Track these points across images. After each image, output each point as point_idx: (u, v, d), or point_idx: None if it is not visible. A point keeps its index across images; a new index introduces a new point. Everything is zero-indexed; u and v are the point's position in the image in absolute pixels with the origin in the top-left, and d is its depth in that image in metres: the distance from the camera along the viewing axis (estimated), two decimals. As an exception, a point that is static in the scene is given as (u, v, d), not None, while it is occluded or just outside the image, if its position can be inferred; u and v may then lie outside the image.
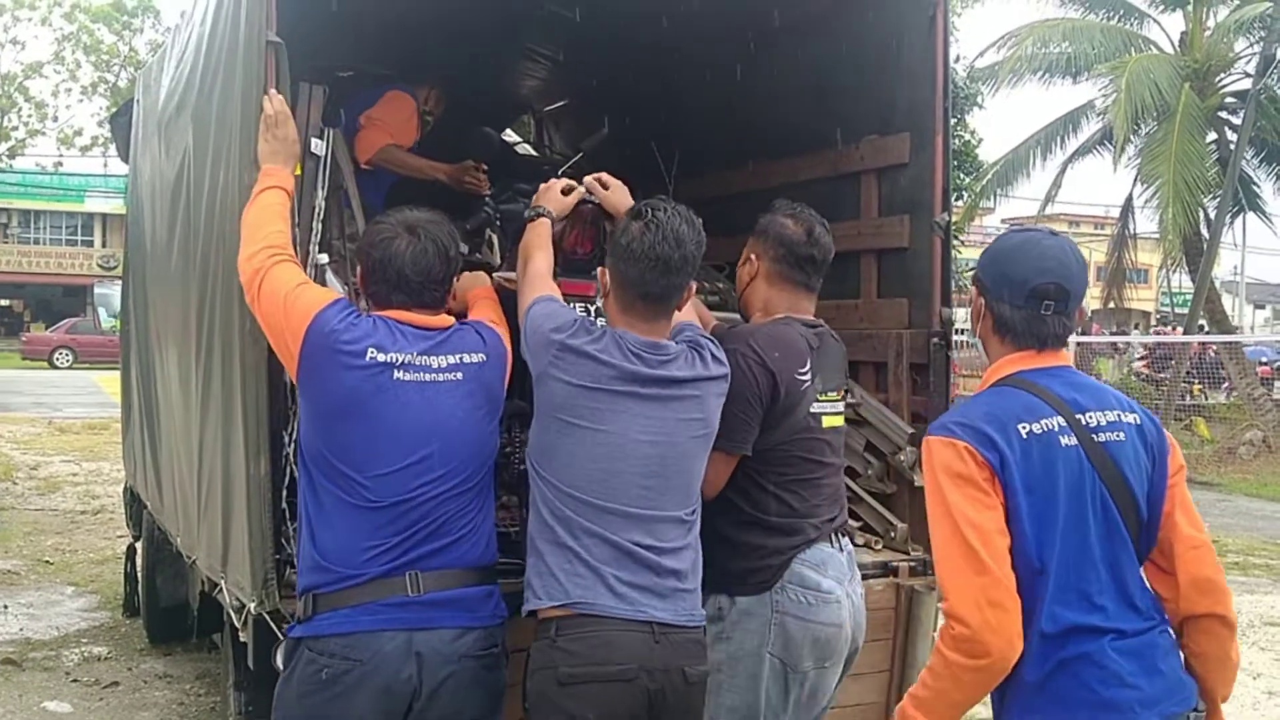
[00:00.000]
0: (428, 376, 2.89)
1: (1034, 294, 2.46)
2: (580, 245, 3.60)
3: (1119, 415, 2.47)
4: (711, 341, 3.04)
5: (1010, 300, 2.49)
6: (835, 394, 3.27)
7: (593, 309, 3.62)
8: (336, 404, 2.85)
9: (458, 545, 2.88)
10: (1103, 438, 2.43)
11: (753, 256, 3.31)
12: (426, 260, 2.94)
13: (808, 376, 3.13)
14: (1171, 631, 2.49)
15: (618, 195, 3.47)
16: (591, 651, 2.74)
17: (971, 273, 2.74)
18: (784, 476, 3.13)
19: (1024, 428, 2.40)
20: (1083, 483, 2.40)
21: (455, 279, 3.10)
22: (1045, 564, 2.37)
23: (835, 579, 3.15)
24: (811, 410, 3.16)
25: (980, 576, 2.32)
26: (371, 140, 4.83)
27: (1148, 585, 2.49)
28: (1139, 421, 2.49)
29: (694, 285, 3.05)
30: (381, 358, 2.85)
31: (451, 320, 3.03)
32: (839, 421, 3.30)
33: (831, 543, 3.18)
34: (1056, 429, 2.41)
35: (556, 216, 3.41)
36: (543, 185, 3.57)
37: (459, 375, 2.92)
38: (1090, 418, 2.44)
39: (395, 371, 2.85)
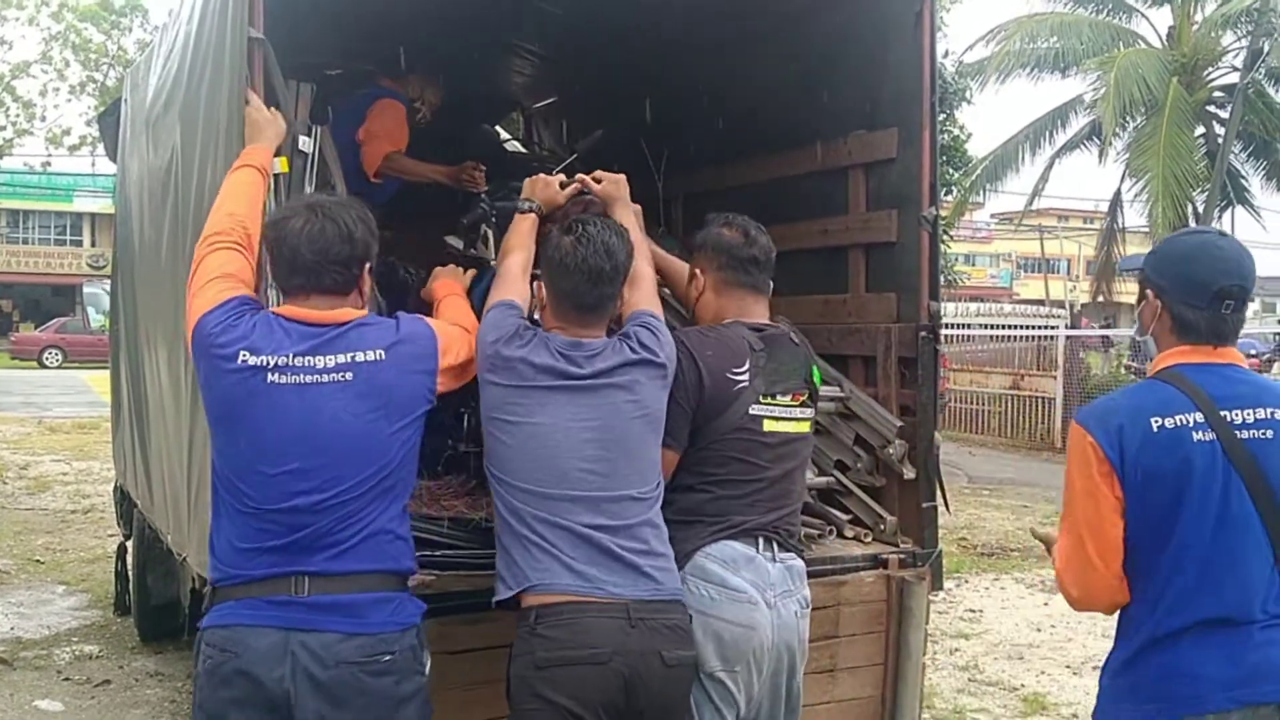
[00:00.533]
0: (309, 378, 2.72)
1: (1219, 295, 2.56)
2: None
3: (1272, 413, 2.52)
4: (649, 329, 3.06)
5: (1193, 302, 2.57)
6: (788, 398, 3.19)
7: None
8: (216, 410, 2.79)
9: (349, 553, 2.72)
10: (1246, 435, 2.50)
11: (697, 272, 3.34)
12: (324, 240, 2.77)
13: (744, 377, 3.11)
14: None
15: (610, 188, 3.51)
16: (567, 637, 2.78)
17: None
18: (706, 475, 3.11)
19: (1156, 422, 2.49)
20: (1214, 478, 2.47)
21: (367, 267, 2.87)
22: (1161, 554, 2.51)
23: (751, 581, 3.05)
24: (750, 412, 3.11)
25: (1083, 564, 2.63)
26: (375, 154, 5.00)
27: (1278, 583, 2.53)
28: None
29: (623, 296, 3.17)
30: (253, 360, 2.71)
31: (352, 314, 2.82)
32: (790, 428, 3.20)
33: (758, 548, 3.10)
34: (1191, 424, 2.49)
35: (544, 210, 3.43)
36: (532, 178, 3.58)
37: (348, 375, 2.74)
38: (1236, 414, 2.50)
39: (269, 374, 2.71)
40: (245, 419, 2.72)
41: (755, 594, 3.05)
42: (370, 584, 2.73)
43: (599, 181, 3.52)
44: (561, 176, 3.63)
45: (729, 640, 3.01)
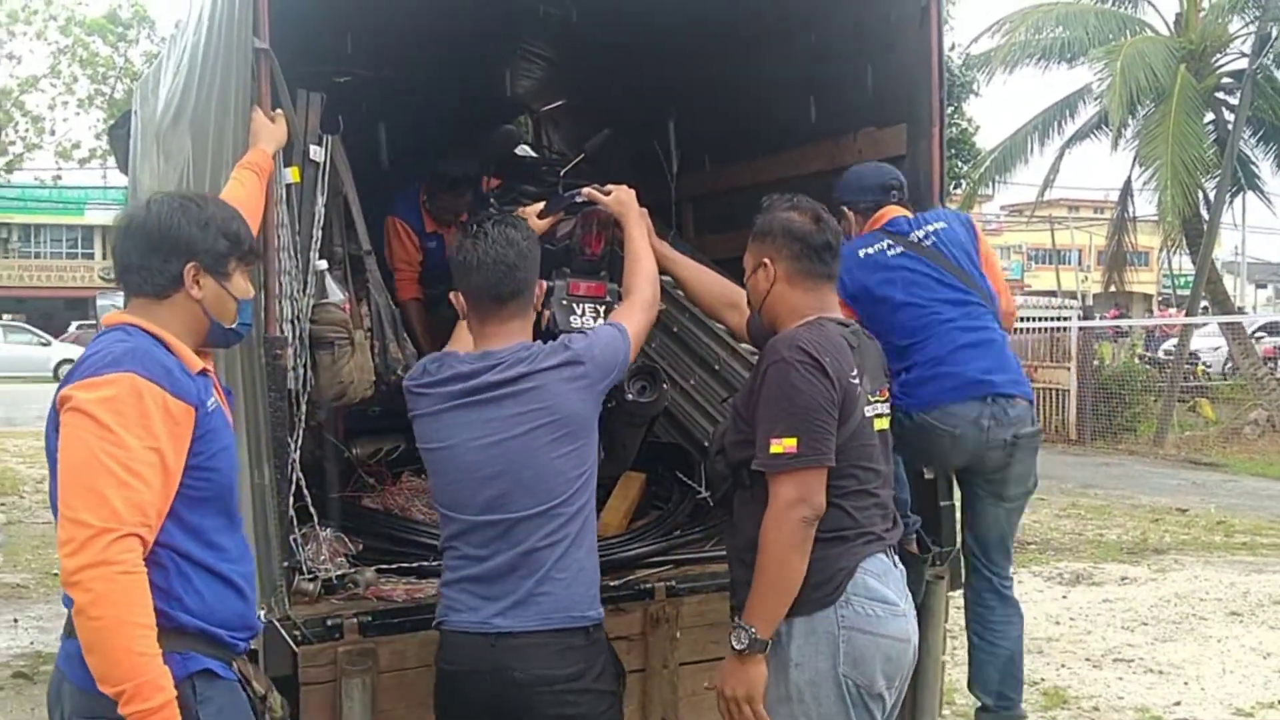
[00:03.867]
0: None
1: (885, 188, 4.04)
2: (590, 246, 3.61)
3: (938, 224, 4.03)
4: (566, 338, 3.00)
5: (871, 198, 4.08)
6: (880, 395, 3.06)
7: (602, 308, 3.66)
8: None
9: None
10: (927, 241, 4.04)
11: (766, 262, 3.06)
12: (139, 232, 2.51)
13: (856, 379, 2.91)
14: None
15: (618, 202, 3.50)
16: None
17: None
18: (843, 488, 2.90)
19: (863, 252, 3.98)
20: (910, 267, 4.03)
21: (184, 271, 2.49)
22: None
23: (898, 593, 2.95)
24: (865, 414, 2.95)
25: None
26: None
27: None
28: None
29: (543, 284, 3.15)
30: None
31: (114, 319, 2.51)
32: (886, 424, 3.08)
33: (888, 555, 2.98)
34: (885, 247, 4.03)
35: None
36: (517, 211, 3.54)
37: None
38: (916, 234, 4.05)
39: None
40: None
41: (904, 605, 2.97)
42: None
43: (607, 193, 3.50)
44: (538, 206, 3.63)
45: (894, 657, 2.92)
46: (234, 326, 2.63)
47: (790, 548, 2.81)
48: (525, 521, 2.85)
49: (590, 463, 2.96)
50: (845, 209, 4.04)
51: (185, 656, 2.36)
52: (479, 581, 2.86)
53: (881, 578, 2.92)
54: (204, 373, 2.51)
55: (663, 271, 3.52)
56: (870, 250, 3.94)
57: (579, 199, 3.62)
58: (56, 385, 2.46)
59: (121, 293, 2.61)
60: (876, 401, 3.02)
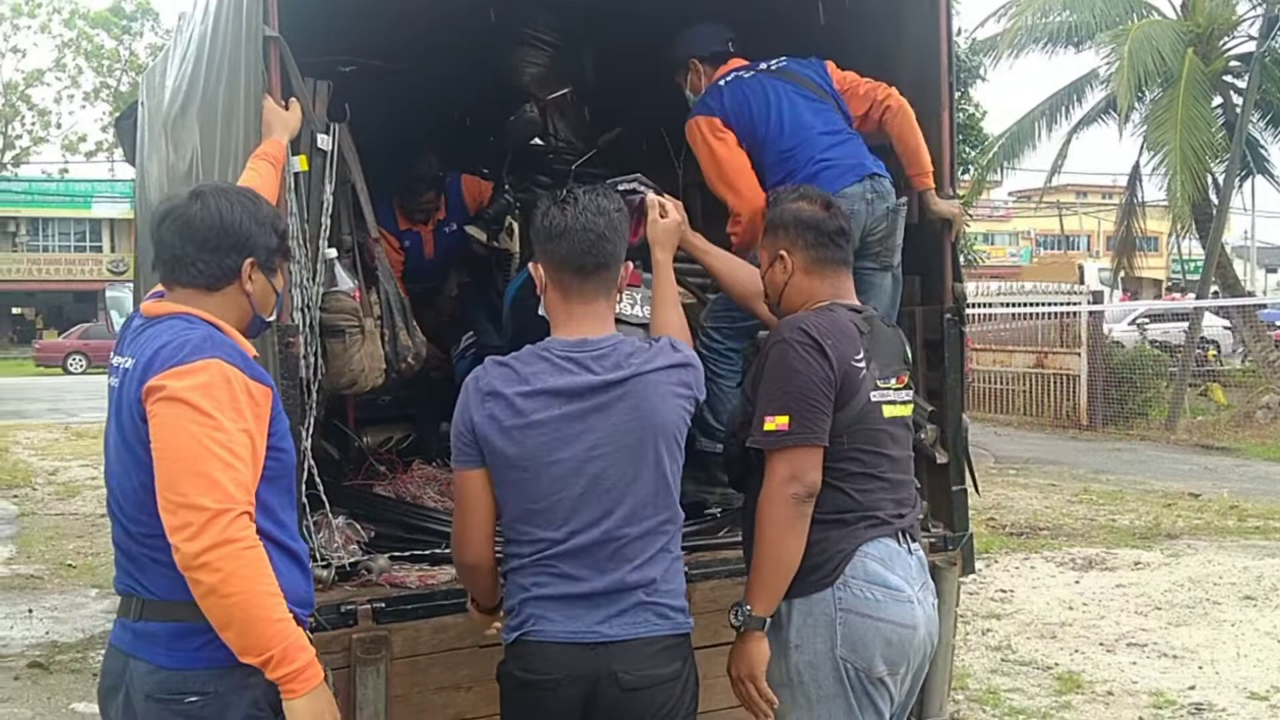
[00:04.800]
0: (113, 381, 2.53)
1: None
2: (633, 235, 3.60)
3: None
4: (671, 341, 2.85)
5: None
6: (895, 381, 3.03)
7: (639, 296, 3.66)
8: None
9: (154, 577, 2.45)
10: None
11: (782, 254, 3.08)
12: (190, 227, 2.51)
13: (863, 363, 2.92)
14: None
15: (664, 226, 3.43)
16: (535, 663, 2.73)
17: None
18: (843, 471, 2.91)
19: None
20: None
21: (250, 261, 2.56)
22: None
23: (904, 578, 2.93)
24: (871, 399, 2.94)
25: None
26: None
27: None
28: None
29: (629, 265, 2.91)
30: (111, 358, 2.60)
31: (165, 308, 2.52)
32: (903, 411, 3.07)
33: (899, 540, 2.96)
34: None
35: None
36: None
37: (117, 382, 2.51)
38: None
39: (111, 376, 2.56)
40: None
41: (910, 591, 2.94)
42: (178, 613, 2.42)
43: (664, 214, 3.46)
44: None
45: (895, 643, 2.90)
46: (270, 319, 2.72)
47: (784, 525, 2.84)
48: (638, 540, 2.71)
49: (680, 474, 2.82)
50: (694, 62, 4.48)
51: None
52: (581, 600, 2.69)
53: (886, 562, 2.91)
54: (255, 359, 2.57)
55: (696, 263, 3.61)
56: (729, 78, 4.32)
57: (626, 189, 3.59)
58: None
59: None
60: (889, 388, 3.00)
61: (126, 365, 2.47)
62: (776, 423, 2.84)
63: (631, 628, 2.70)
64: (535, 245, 2.87)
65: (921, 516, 4.15)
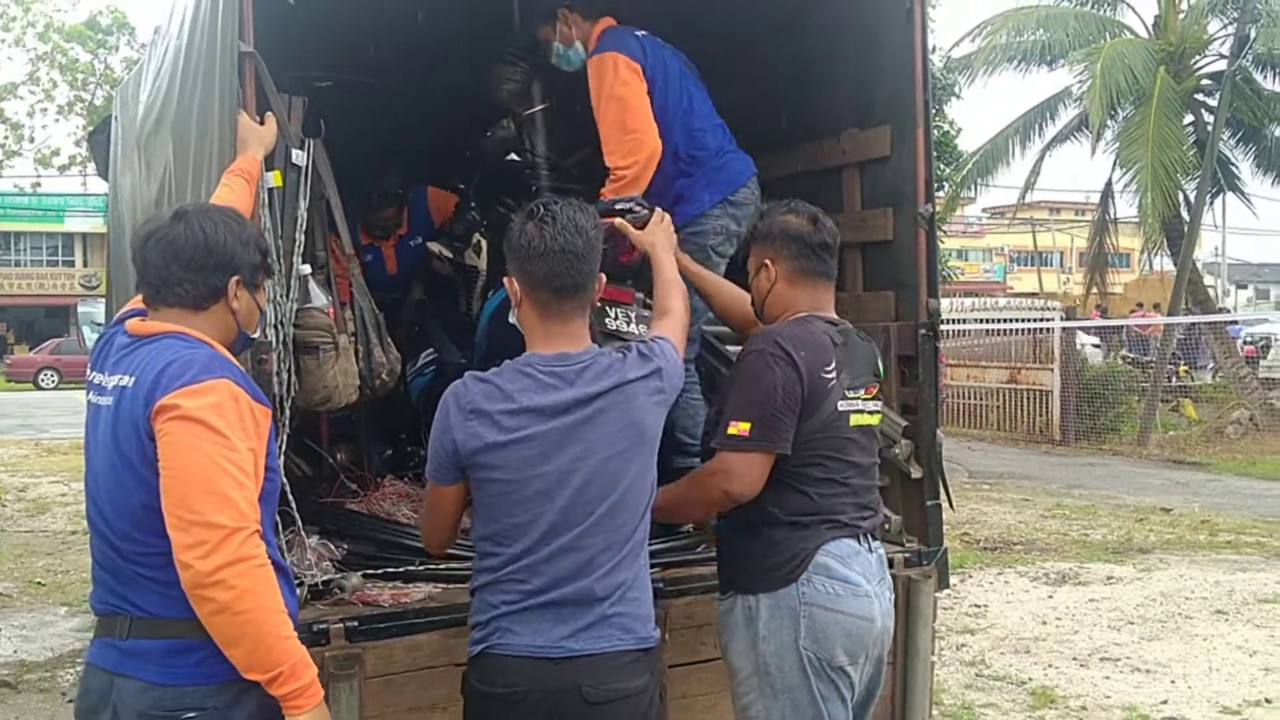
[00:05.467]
0: (102, 400, 2.51)
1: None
2: (621, 255, 3.60)
3: None
4: (652, 342, 2.89)
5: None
6: (864, 391, 3.17)
7: (632, 314, 3.67)
8: None
9: (146, 595, 2.45)
10: None
11: (767, 263, 3.22)
12: (174, 247, 2.51)
13: (833, 374, 3.07)
14: None
15: (650, 231, 3.50)
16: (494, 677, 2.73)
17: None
18: (808, 476, 3.08)
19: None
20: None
21: (235, 279, 2.57)
22: None
23: (862, 574, 3.10)
24: (838, 408, 3.09)
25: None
26: None
27: None
28: None
29: (602, 278, 2.89)
30: (89, 375, 2.60)
31: (156, 327, 2.52)
32: (870, 420, 3.21)
33: (859, 541, 3.13)
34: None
35: None
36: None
37: (111, 401, 2.47)
38: None
39: (91, 392, 2.57)
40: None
41: (868, 586, 3.10)
42: (171, 630, 2.43)
43: (644, 224, 3.53)
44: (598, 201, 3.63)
45: (855, 634, 3.06)
46: (254, 335, 2.75)
47: (693, 499, 3.14)
48: (610, 550, 2.71)
49: (655, 481, 2.86)
50: (564, 11, 4.36)
51: None
52: (549, 608, 2.68)
53: (845, 560, 3.07)
54: None
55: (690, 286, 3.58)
56: (641, 35, 4.30)
57: (619, 208, 3.61)
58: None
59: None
60: (857, 398, 3.14)
61: (124, 384, 2.44)
62: (739, 427, 2.99)
63: (596, 642, 2.69)
64: (511, 261, 2.84)
65: (888, 525, 4.20)
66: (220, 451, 2.32)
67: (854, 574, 3.07)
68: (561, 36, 4.38)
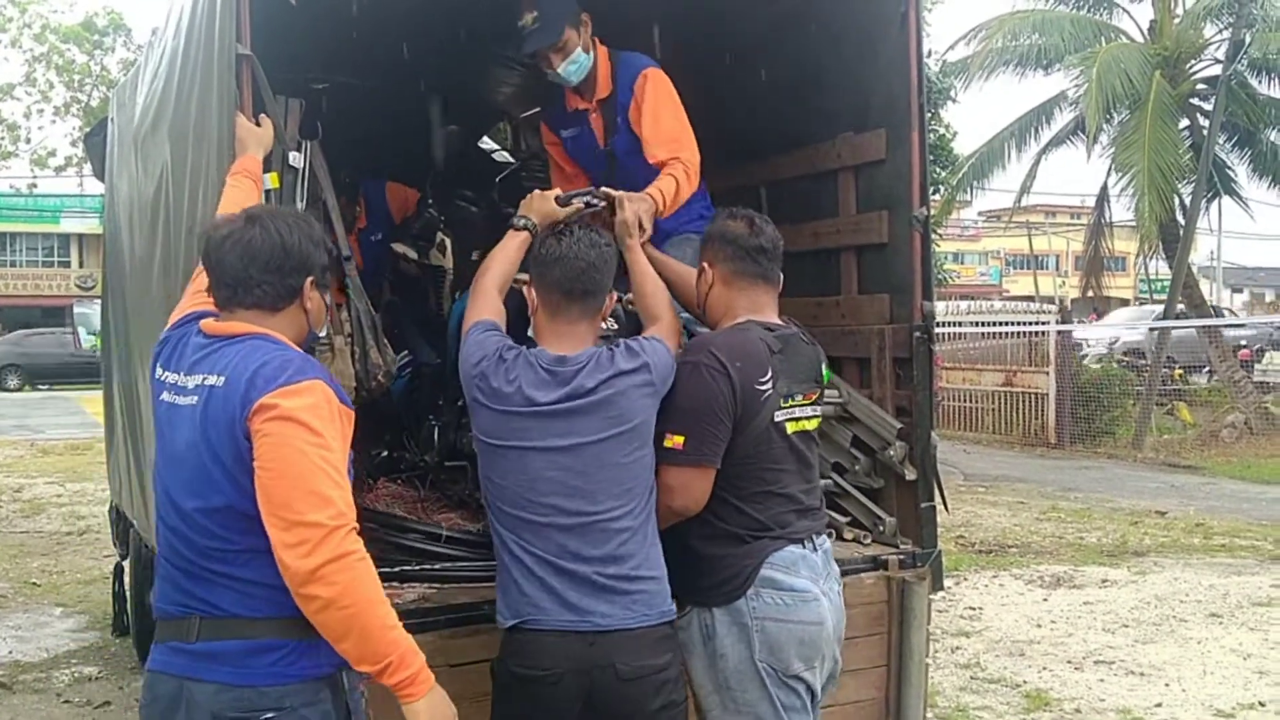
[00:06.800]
0: (183, 400, 2.52)
1: None
2: None
3: None
4: (642, 341, 3.10)
5: None
6: (803, 398, 3.22)
7: (619, 311, 3.71)
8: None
9: (222, 595, 2.47)
10: None
11: (705, 265, 3.32)
12: (251, 249, 2.56)
13: (768, 386, 3.11)
14: None
15: (622, 218, 3.57)
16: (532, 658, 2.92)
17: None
18: (744, 490, 3.12)
19: None
20: None
21: (309, 280, 2.63)
22: None
23: (809, 578, 3.14)
24: (774, 420, 3.13)
25: None
26: None
27: None
28: None
29: (614, 295, 3.19)
30: (159, 374, 2.62)
31: (238, 328, 2.56)
32: (809, 425, 3.27)
33: (803, 544, 3.17)
34: None
35: (539, 229, 3.45)
36: (531, 194, 3.61)
37: (196, 400, 2.49)
38: None
39: (164, 392, 2.59)
40: (156, 439, 2.67)
41: (815, 589, 3.15)
42: (247, 630, 2.47)
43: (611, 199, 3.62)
44: (558, 190, 3.66)
45: (808, 640, 3.11)
46: (321, 334, 2.84)
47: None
48: (610, 522, 2.93)
49: (652, 466, 3.06)
50: (588, 16, 4.21)
51: (331, 649, 2.46)
52: (568, 580, 2.90)
53: (789, 569, 3.12)
54: None
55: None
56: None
57: (595, 200, 3.65)
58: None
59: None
60: (794, 405, 3.19)
61: (212, 383, 2.47)
62: (674, 440, 3.06)
63: (623, 619, 2.89)
64: (531, 271, 3.14)
65: (883, 527, 4.21)
66: (318, 451, 2.37)
67: (800, 580, 3.12)
68: (584, 44, 4.30)
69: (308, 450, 2.36)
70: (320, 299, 2.70)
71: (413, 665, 2.44)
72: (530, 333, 3.18)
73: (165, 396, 2.59)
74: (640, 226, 3.59)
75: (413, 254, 5.31)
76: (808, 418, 3.25)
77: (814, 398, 3.28)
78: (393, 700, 2.48)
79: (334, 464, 2.39)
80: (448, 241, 5.21)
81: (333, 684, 2.50)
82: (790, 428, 3.18)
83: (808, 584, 3.13)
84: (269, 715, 2.43)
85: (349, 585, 2.33)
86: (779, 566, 3.10)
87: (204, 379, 2.49)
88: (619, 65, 4.23)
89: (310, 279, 2.63)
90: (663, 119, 4.11)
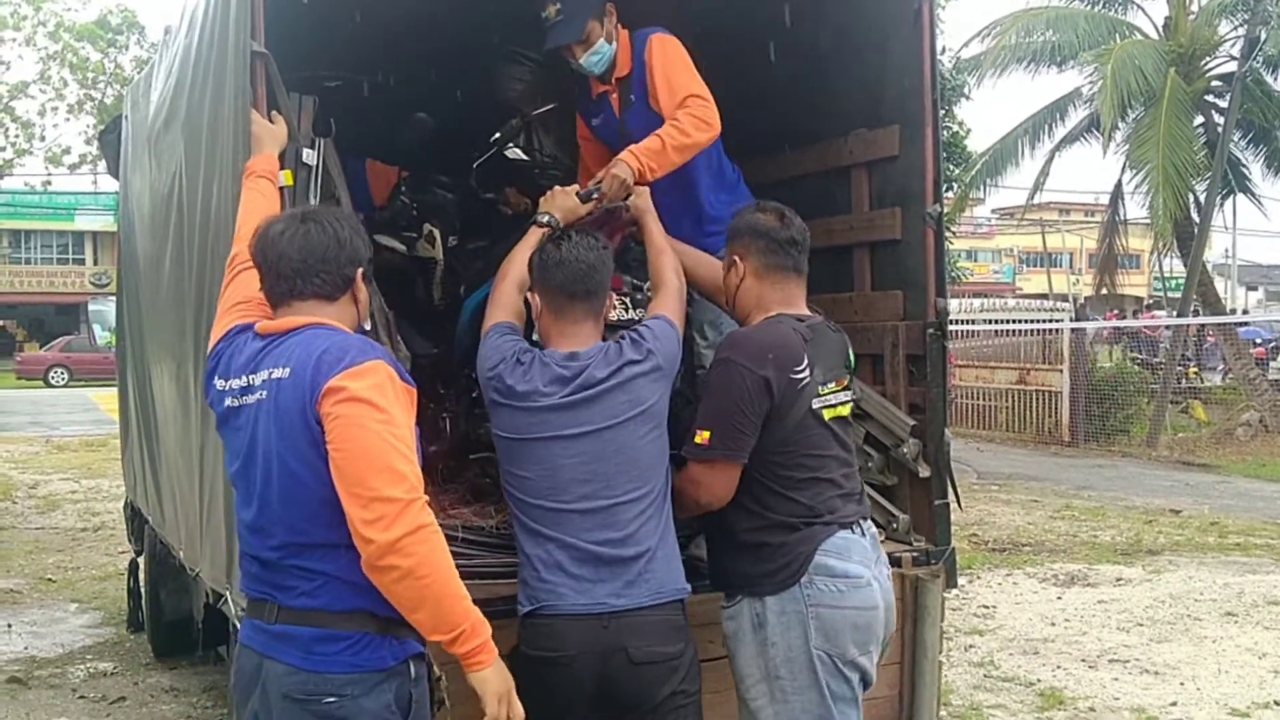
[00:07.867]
0: (250, 399, 2.60)
1: None
2: (610, 240, 3.64)
3: None
4: (648, 328, 3.22)
5: None
6: (835, 384, 3.27)
7: (628, 299, 3.74)
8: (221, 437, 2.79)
9: (296, 585, 2.58)
10: None
11: (736, 259, 3.34)
12: (309, 243, 2.66)
13: (804, 374, 3.14)
14: None
15: (643, 201, 3.68)
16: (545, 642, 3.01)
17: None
18: (790, 477, 3.16)
19: None
20: None
21: (360, 272, 2.74)
22: None
23: (861, 563, 3.17)
24: (812, 407, 3.17)
25: None
26: None
27: None
28: None
29: (612, 295, 3.38)
30: (219, 385, 2.69)
31: (293, 322, 2.64)
32: (843, 411, 3.31)
33: (852, 530, 3.20)
34: None
35: (562, 225, 3.52)
36: (552, 190, 3.67)
37: (264, 395, 2.57)
38: None
39: (228, 398, 2.66)
40: (225, 446, 2.76)
41: (868, 574, 3.18)
42: (322, 620, 2.57)
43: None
44: (575, 187, 3.67)
45: (863, 625, 3.14)
46: (366, 325, 2.92)
47: (677, 502, 3.21)
48: (627, 505, 3.04)
49: (666, 448, 3.18)
50: (613, 6, 4.17)
51: (402, 641, 2.59)
52: (586, 564, 3.00)
53: (842, 554, 3.14)
54: None
55: None
56: None
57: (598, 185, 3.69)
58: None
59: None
60: (829, 392, 3.23)
61: (278, 375, 2.55)
62: (702, 436, 3.13)
63: (635, 599, 2.99)
64: (534, 276, 3.25)
65: (895, 524, 4.21)
66: (388, 429, 2.46)
67: (853, 566, 3.15)
68: (607, 35, 4.23)
69: (378, 428, 2.45)
70: (367, 290, 2.81)
71: (482, 634, 2.53)
72: (535, 336, 3.27)
73: (230, 403, 2.67)
74: (625, 186, 3.64)
75: (401, 248, 5.25)
76: (842, 403, 3.30)
77: (845, 384, 3.33)
78: (474, 698, 2.57)
79: (403, 439, 2.48)
80: (436, 232, 5.17)
81: (397, 676, 2.58)
82: (827, 414, 3.22)
83: (860, 569, 3.16)
84: (330, 700, 2.52)
85: (426, 556, 2.42)
86: (832, 552, 3.13)
87: (270, 373, 2.57)
88: (635, 42, 4.21)
89: (360, 270, 2.75)
90: (674, 77, 4.07)
